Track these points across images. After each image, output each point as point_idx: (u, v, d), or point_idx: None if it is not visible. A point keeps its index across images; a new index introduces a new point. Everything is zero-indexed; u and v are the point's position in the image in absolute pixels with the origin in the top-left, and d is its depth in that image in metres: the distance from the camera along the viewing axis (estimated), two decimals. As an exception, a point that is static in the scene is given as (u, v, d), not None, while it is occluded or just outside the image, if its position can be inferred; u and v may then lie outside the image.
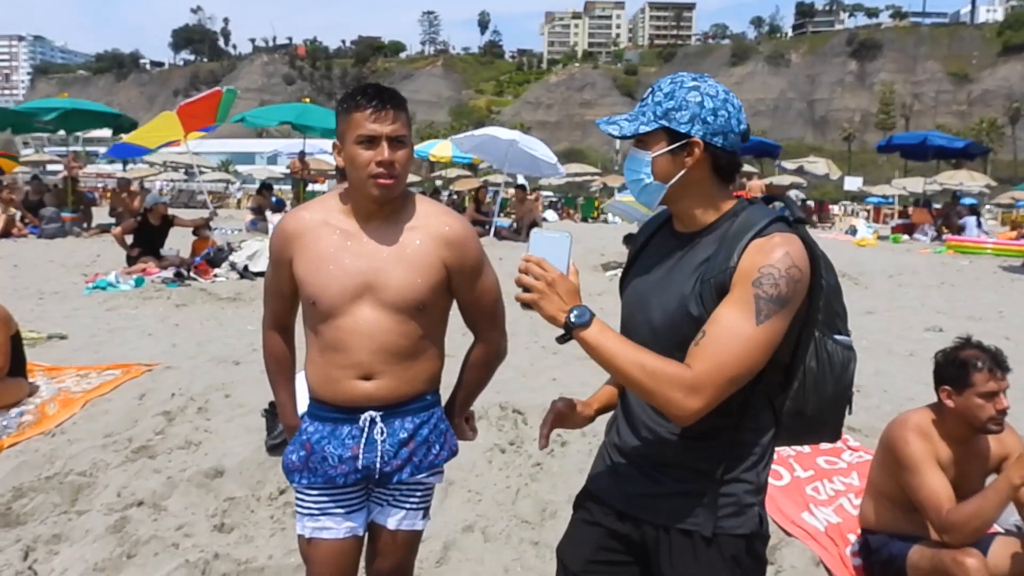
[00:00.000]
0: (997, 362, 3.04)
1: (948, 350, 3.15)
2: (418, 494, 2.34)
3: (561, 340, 1.74)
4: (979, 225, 18.94)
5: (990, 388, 2.99)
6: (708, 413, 1.71)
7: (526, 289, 1.73)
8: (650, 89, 1.84)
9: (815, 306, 1.77)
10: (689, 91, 1.77)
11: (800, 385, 1.80)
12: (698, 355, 1.68)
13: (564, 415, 2.04)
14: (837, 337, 1.82)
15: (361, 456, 2.21)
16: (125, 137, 18.30)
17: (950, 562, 2.94)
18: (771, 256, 1.68)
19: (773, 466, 4.04)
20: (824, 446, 4.36)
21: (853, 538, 3.64)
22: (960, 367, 3.05)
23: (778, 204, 1.84)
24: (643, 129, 1.79)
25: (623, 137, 1.81)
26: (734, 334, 1.66)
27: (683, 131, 1.76)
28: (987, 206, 38.23)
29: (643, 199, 1.86)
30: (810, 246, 1.75)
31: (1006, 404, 3.03)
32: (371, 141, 2.09)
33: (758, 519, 1.85)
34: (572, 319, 1.69)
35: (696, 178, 1.80)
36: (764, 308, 1.66)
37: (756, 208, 1.80)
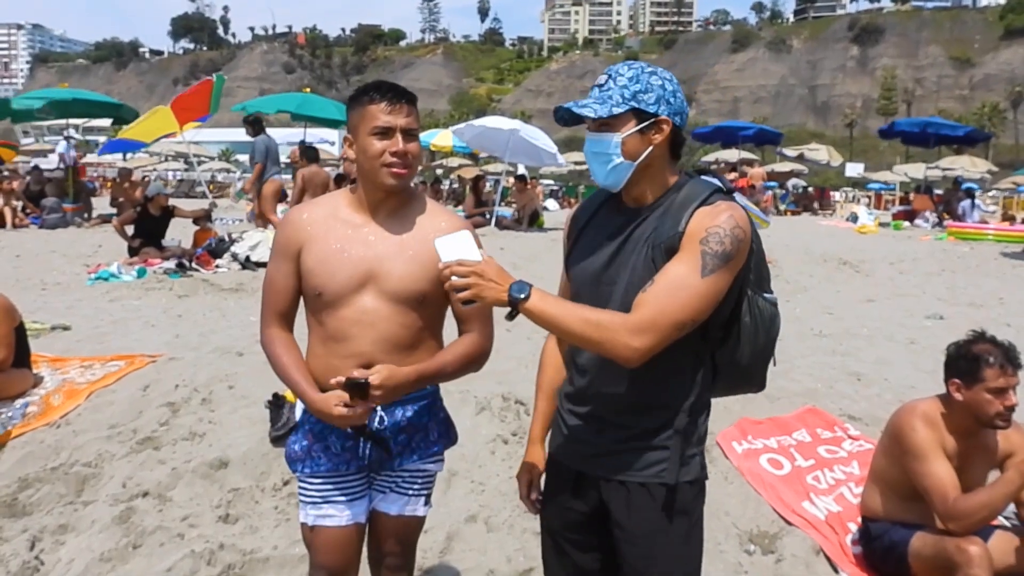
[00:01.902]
0: (1009, 358, 3.03)
1: (961, 343, 3.14)
2: (419, 481, 2.39)
3: (509, 317, 1.87)
4: (973, 206, 18.91)
5: (1000, 384, 3.00)
6: (664, 372, 1.89)
7: (462, 291, 1.84)
8: (606, 76, 1.97)
9: (748, 267, 1.93)
10: (650, 76, 1.94)
11: (737, 338, 1.96)
12: (644, 301, 1.82)
13: (536, 472, 2.24)
14: (765, 295, 2.00)
15: (362, 443, 2.26)
16: (121, 132, 18.26)
17: (953, 549, 2.95)
18: (718, 219, 1.84)
19: (774, 455, 4.14)
20: (825, 435, 4.38)
21: (854, 527, 3.66)
22: (972, 361, 3.05)
23: (711, 179, 2.00)
24: (616, 111, 1.92)
25: (598, 119, 1.93)
26: (679, 283, 1.81)
27: (651, 111, 1.92)
28: (990, 192, 38.08)
29: (611, 180, 1.98)
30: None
31: (1015, 401, 3.02)
32: (385, 132, 2.17)
33: (700, 466, 2.00)
34: (513, 295, 1.81)
35: (657, 155, 1.95)
36: (710, 263, 1.81)
37: (697, 182, 1.97)
